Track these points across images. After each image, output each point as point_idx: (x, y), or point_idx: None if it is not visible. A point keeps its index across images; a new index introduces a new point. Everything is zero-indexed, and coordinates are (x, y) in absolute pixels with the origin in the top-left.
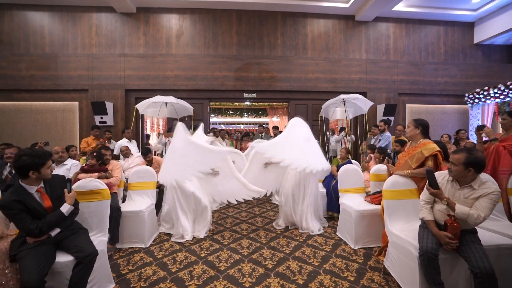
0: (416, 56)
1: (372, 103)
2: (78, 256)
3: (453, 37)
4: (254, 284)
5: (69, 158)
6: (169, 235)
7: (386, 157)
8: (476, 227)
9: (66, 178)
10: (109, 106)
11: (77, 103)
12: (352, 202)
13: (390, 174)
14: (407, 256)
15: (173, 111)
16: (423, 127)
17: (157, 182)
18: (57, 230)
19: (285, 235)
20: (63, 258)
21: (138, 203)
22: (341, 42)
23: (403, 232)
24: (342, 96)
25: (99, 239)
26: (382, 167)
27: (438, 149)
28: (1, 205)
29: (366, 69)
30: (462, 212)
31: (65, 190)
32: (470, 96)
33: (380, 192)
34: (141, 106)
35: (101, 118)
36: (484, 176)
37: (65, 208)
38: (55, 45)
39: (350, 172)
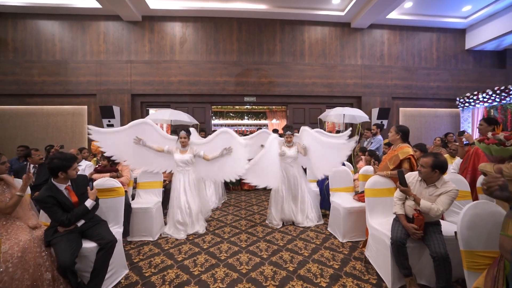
0: (410, 61)
1: (366, 119)
2: (101, 243)
3: (445, 43)
4: (250, 270)
5: (83, 160)
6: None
7: (373, 159)
8: (440, 220)
9: (87, 177)
10: (116, 110)
11: (86, 107)
12: (342, 200)
13: None
14: (382, 245)
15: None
16: (403, 133)
17: (164, 181)
18: (82, 221)
19: (281, 230)
20: (88, 245)
21: (146, 200)
22: (337, 48)
23: (381, 225)
24: (342, 111)
25: (116, 230)
26: (370, 168)
27: (412, 153)
28: (38, 200)
29: (361, 74)
30: (425, 206)
31: (88, 187)
32: (461, 100)
33: None
34: (151, 118)
35: (109, 121)
36: (446, 177)
37: (89, 203)
38: (65, 52)
39: (341, 173)
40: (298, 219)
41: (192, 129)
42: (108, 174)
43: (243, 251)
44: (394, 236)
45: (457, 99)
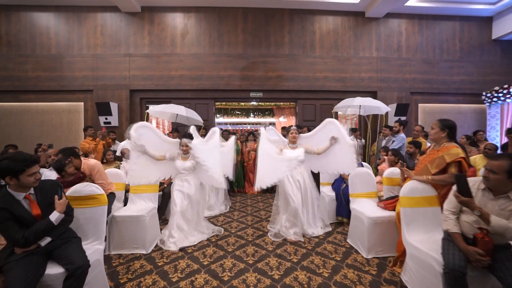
0: (430, 53)
1: (389, 109)
2: (69, 269)
3: (469, 33)
4: None
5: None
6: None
7: (400, 160)
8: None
9: (59, 183)
10: (113, 106)
11: (82, 103)
12: (364, 208)
13: (404, 179)
14: (429, 271)
15: (184, 118)
16: (450, 130)
17: (161, 185)
18: (48, 240)
19: (292, 242)
20: (54, 270)
21: (140, 207)
22: (351, 39)
23: (423, 243)
24: (359, 101)
25: (95, 248)
26: (396, 170)
27: (463, 155)
28: None
29: (376, 67)
30: (499, 225)
31: (56, 196)
32: (488, 94)
33: (395, 197)
34: (153, 112)
35: (106, 118)
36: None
37: (54, 216)
38: (61, 46)
39: (362, 176)
40: (305, 229)
41: (192, 128)
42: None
43: (250, 269)
44: (450, 262)
45: (483, 93)
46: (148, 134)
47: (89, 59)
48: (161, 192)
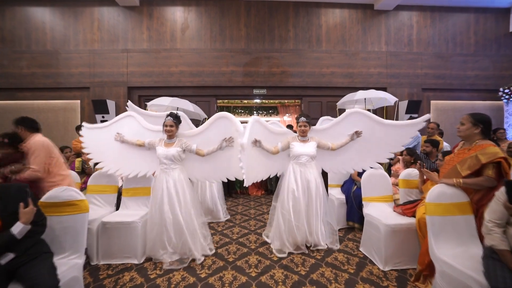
0: (443, 47)
1: (396, 99)
2: None
3: (485, 26)
4: None
5: None
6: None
7: (419, 160)
8: None
9: (27, 188)
10: (111, 104)
11: (78, 101)
12: (380, 213)
13: (423, 181)
14: None
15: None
16: (484, 125)
17: None
18: (10, 256)
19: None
20: None
21: (133, 211)
22: (359, 33)
23: (456, 259)
24: (361, 94)
25: (73, 262)
26: (413, 171)
27: (502, 154)
28: None
29: (386, 62)
30: None
31: (21, 204)
32: (506, 90)
33: (413, 202)
34: (152, 106)
35: (103, 117)
36: None
37: (17, 229)
38: (57, 42)
39: (376, 178)
40: (312, 239)
41: (181, 114)
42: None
43: (253, 282)
44: (501, 286)
45: (500, 89)
46: (131, 123)
47: (85, 55)
48: None
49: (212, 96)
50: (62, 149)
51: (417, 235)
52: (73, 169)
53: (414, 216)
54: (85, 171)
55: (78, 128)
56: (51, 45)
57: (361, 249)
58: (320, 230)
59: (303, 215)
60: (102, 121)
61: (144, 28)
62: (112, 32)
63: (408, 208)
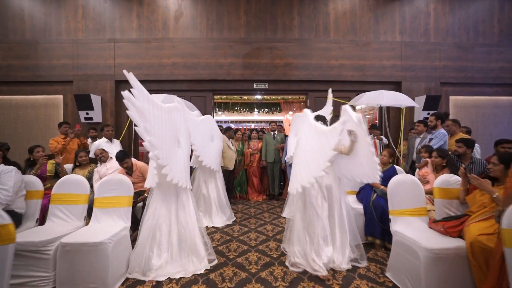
0: (463, 37)
1: (416, 104)
2: None
3: (510, 13)
4: None
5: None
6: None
7: (463, 165)
8: None
9: None
10: (96, 100)
11: (61, 96)
12: (415, 232)
13: (467, 190)
14: None
15: None
16: None
17: (139, 195)
18: None
19: (311, 276)
20: None
21: (105, 227)
22: (370, 21)
23: None
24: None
25: None
26: (452, 178)
27: None
28: None
29: (400, 53)
30: None
31: None
32: None
33: (458, 218)
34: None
35: (87, 114)
36: None
37: None
38: (36, 31)
39: (406, 186)
40: (335, 258)
41: (179, 99)
42: None
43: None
44: None
45: None
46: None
47: (68, 46)
48: (141, 204)
49: (209, 91)
50: (32, 149)
51: (468, 263)
52: (44, 172)
53: (461, 237)
54: (59, 175)
55: (60, 125)
56: (31, 34)
57: (388, 274)
58: (341, 247)
59: (326, 228)
60: (86, 119)
61: (133, 16)
62: (98, 20)
63: (452, 225)
